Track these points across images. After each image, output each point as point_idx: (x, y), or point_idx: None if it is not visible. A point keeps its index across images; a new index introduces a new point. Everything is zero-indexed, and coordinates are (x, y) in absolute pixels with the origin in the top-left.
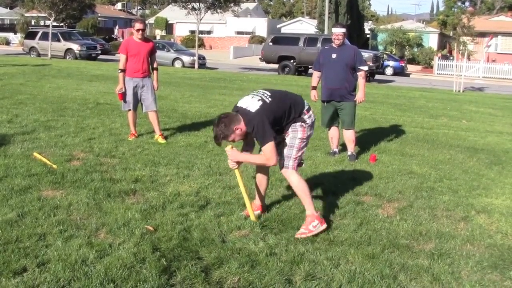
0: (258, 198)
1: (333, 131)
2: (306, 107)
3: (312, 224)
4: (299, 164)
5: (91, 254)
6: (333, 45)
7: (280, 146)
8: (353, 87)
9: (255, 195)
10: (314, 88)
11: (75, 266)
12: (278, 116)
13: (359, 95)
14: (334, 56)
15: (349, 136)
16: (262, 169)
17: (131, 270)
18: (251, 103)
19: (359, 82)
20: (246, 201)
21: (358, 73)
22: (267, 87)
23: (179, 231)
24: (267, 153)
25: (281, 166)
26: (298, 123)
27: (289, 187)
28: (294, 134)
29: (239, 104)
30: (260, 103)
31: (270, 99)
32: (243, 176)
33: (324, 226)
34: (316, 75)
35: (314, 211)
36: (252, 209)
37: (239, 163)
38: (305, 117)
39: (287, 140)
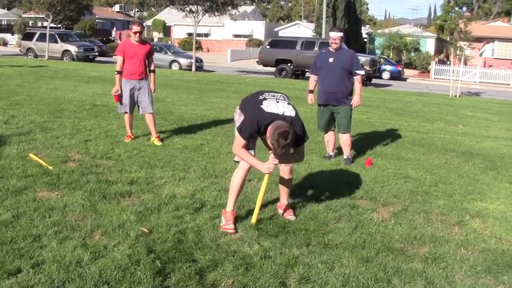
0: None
1: (329, 135)
2: None
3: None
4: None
5: (86, 256)
6: (330, 49)
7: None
8: (349, 91)
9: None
10: (311, 91)
11: (69, 267)
12: None
13: (356, 99)
14: (331, 60)
15: (345, 140)
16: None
17: (125, 271)
18: (285, 108)
19: (356, 86)
20: (258, 204)
21: (355, 77)
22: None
23: (174, 233)
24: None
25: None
26: None
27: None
28: None
29: (273, 111)
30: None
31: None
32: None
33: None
34: (313, 78)
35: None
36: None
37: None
38: None
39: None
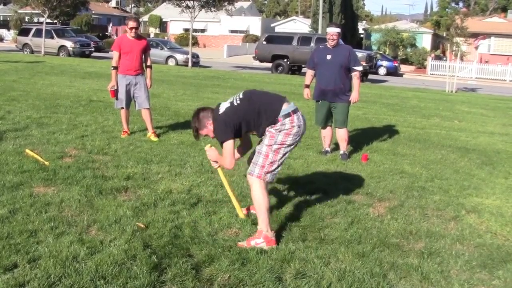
0: None
1: (326, 130)
2: (283, 113)
3: (256, 241)
4: (270, 179)
5: (82, 251)
6: (328, 45)
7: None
8: (348, 87)
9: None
10: (307, 86)
11: (66, 262)
12: (247, 118)
13: (354, 95)
14: (329, 57)
15: (342, 135)
16: None
17: (121, 267)
18: (225, 104)
19: (354, 83)
20: (233, 199)
21: (353, 74)
22: (260, 86)
23: (170, 229)
24: (223, 153)
25: (248, 171)
26: (270, 129)
27: (279, 188)
28: (264, 141)
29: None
30: (228, 105)
31: (238, 101)
32: (230, 174)
33: (271, 247)
34: (309, 73)
35: (265, 229)
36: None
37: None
38: (278, 124)
39: (257, 147)
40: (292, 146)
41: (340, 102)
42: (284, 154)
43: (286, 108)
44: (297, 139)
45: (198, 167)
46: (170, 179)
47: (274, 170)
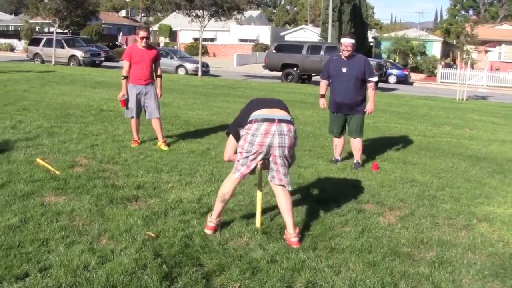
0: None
1: (339, 140)
2: (249, 119)
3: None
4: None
5: (93, 260)
6: (342, 56)
7: None
8: (363, 98)
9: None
10: (323, 96)
11: (77, 271)
12: (242, 120)
13: (369, 107)
14: (344, 70)
15: (357, 145)
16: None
17: (132, 276)
18: None
19: (369, 94)
20: (258, 204)
21: (368, 84)
22: (270, 95)
23: (181, 238)
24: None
25: None
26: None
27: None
28: None
29: None
30: None
31: (245, 104)
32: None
33: (207, 231)
34: (324, 83)
35: (212, 217)
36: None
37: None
38: (243, 129)
39: None
40: (253, 154)
41: (355, 114)
42: (247, 158)
43: (254, 114)
44: (254, 148)
45: (208, 176)
46: (180, 188)
47: (238, 166)
